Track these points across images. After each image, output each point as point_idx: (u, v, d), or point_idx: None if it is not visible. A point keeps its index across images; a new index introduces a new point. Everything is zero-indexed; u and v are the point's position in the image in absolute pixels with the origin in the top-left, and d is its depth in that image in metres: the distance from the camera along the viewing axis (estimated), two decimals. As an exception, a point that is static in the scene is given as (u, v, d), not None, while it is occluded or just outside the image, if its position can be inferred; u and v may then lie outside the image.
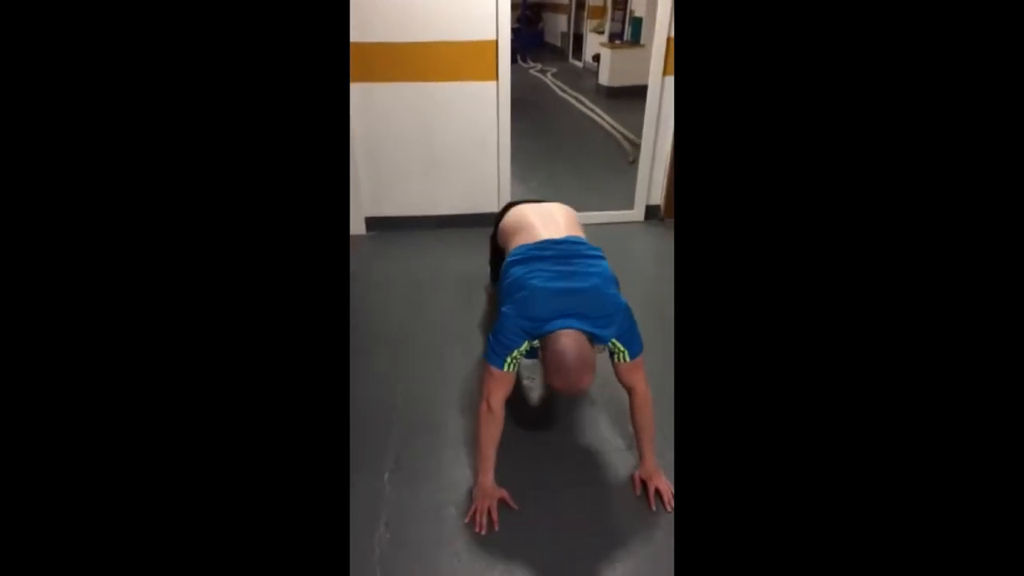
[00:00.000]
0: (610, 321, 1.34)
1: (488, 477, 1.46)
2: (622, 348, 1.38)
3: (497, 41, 2.59)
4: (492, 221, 2.98)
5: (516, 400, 1.51)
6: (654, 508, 1.44)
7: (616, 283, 1.45)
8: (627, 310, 1.38)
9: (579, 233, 1.63)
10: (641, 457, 1.51)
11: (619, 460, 1.60)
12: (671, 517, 1.41)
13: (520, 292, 1.38)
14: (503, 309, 1.40)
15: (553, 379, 1.27)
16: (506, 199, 2.98)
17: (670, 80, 2.76)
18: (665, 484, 1.47)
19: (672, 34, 2.66)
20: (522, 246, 1.55)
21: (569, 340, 1.26)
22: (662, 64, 2.73)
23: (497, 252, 1.86)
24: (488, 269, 2.49)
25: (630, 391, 1.45)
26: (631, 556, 1.33)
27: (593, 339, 1.32)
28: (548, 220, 1.64)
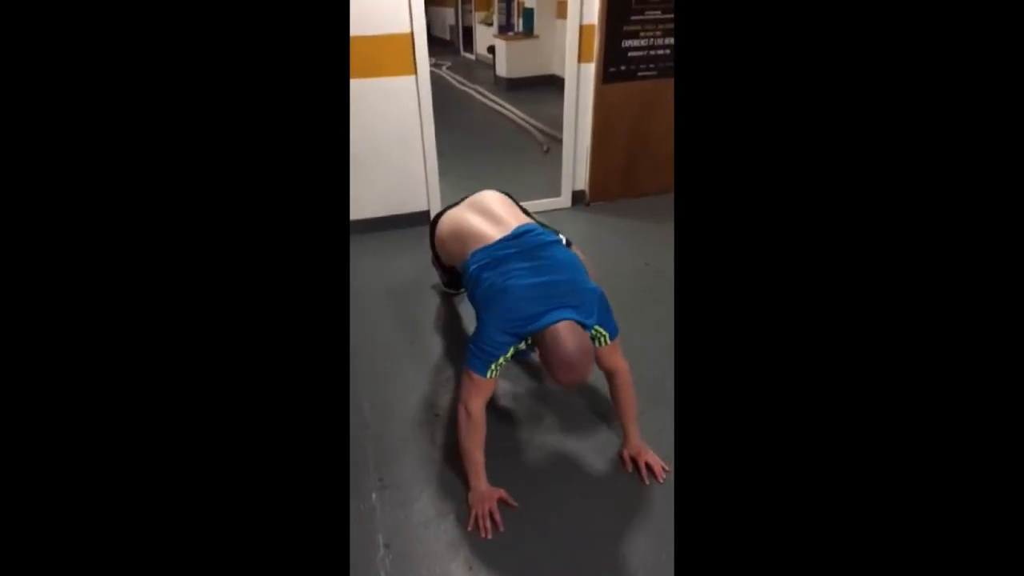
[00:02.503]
0: (590, 309, 1.35)
1: (481, 481, 1.43)
2: (603, 332, 1.40)
3: (412, 34, 2.52)
4: (424, 220, 2.93)
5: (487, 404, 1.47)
6: (647, 482, 1.48)
7: (582, 267, 1.46)
8: (601, 295, 1.40)
9: (522, 217, 1.58)
10: (626, 435, 1.54)
11: (601, 440, 1.62)
12: (666, 488, 1.46)
13: (500, 296, 1.34)
14: (484, 317, 1.36)
15: (559, 374, 1.25)
16: (435, 195, 2.92)
17: (585, 68, 2.82)
18: (653, 457, 1.51)
19: (586, 22, 2.71)
20: (479, 251, 1.48)
21: (567, 332, 1.25)
22: (577, 52, 2.78)
23: (447, 267, 1.77)
24: (436, 271, 2.42)
25: (612, 372, 1.48)
26: (636, 531, 1.36)
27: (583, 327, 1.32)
28: (489, 216, 1.57)
